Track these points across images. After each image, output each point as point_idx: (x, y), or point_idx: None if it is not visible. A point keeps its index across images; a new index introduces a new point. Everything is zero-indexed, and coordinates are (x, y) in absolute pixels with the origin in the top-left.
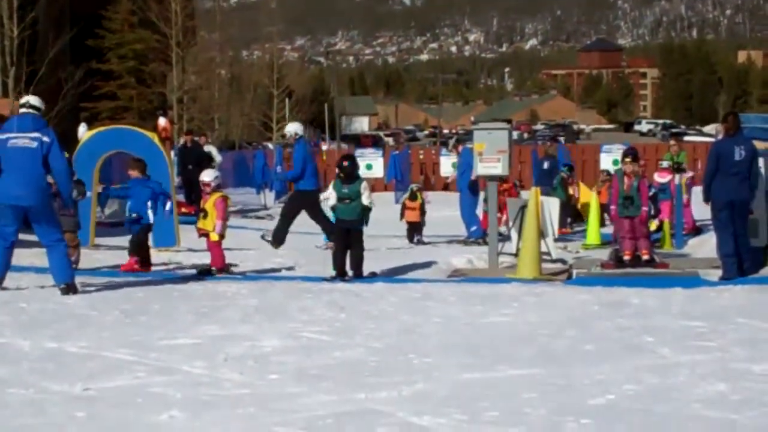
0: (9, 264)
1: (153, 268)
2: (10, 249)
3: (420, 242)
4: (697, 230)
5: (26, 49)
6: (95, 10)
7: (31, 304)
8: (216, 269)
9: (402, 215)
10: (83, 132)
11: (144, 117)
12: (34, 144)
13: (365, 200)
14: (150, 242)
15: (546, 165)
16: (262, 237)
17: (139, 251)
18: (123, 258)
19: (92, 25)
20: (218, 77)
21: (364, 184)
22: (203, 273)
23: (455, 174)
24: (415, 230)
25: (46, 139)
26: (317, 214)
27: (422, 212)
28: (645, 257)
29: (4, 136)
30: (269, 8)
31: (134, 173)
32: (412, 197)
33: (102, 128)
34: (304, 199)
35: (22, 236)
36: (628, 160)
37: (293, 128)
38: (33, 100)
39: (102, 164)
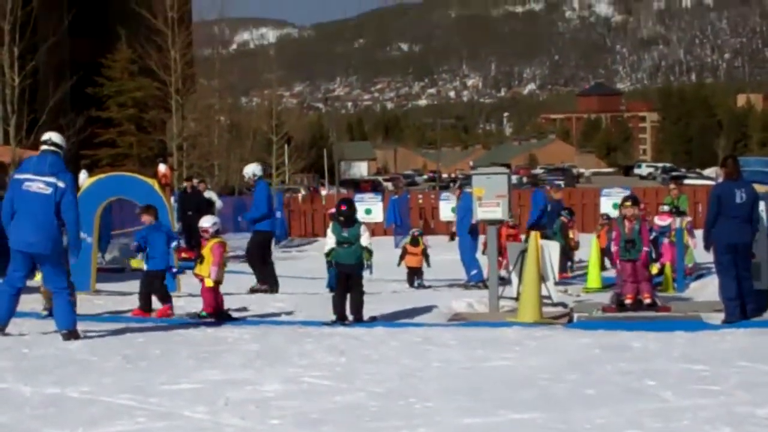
0: (14, 310)
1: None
2: (17, 296)
3: (421, 286)
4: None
5: (27, 97)
6: (95, 59)
7: (33, 350)
8: (207, 315)
9: (401, 260)
10: (84, 179)
11: (144, 164)
12: (49, 190)
13: (365, 242)
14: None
15: (549, 208)
16: (251, 290)
17: (165, 297)
18: (123, 304)
19: (92, 73)
20: (218, 124)
21: (363, 227)
22: (197, 317)
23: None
24: (415, 274)
25: (61, 184)
26: (261, 258)
27: (425, 256)
28: (647, 301)
29: (20, 177)
30: (268, 55)
31: (147, 219)
32: (414, 242)
33: (102, 175)
34: (257, 239)
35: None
36: (628, 204)
37: (251, 169)
38: (55, 137)
39: (102, 211)
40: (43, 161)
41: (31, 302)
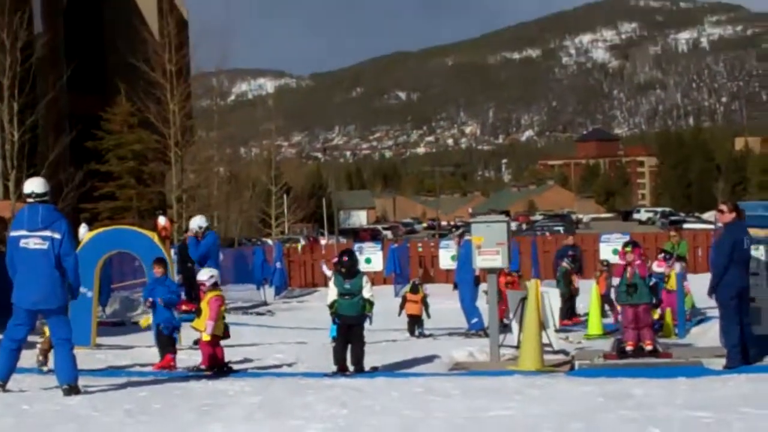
0: (15, 366)
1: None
2: (18, 351)
3: (422, 335)
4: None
5: (27, 152)
6: (94, 112)
7: (34, 406)
8: (205, 368)
9: (401, 309)
10: (84, 233)
11: (144, 216)
12: (46, 244)
13: (366, 293)
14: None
15: (571, 252)
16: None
17: (172, 349)
18: (125, 358)
19: (91, 126)
20: (216, 175)
21: (365, 278)
22: (197, 371)
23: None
24: (416, 323)
25: (57, 236)
26: None
27: (425, 305)
28: (648, 348)
29: (15, 234)
30: (266, 106)
31: (159, 272)
32: (414, 290)
33: (102, 229)
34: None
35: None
36: (628, 249)
37: (197, 222)
38: (37, 187)
39: (103, 264)
40: (34, 215)
41: (31, 357)
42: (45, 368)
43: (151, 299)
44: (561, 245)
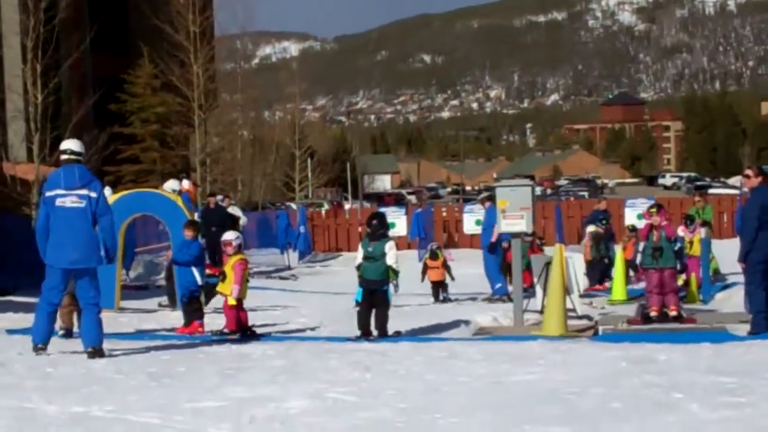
0: (53, 328)
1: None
2: (54, 313)
3: (446, 300)
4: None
5: (50, 114)
6: (117, 75)
7: (58, 369)
8: (230, 332)
9: (423, 275)
10: (107, 195)
11: (167, 179)
12: (83, 203)
13: (390, 260)
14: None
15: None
16: (159, 305)
17: (200, 314)
18: (149, 322)
19: (114, 89)
20: (240, 138)
21: (389, 244)
22: (221, 334)
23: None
24: (439, 288)
25: (93, 194)
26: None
27: (447, 268)
28: (673, 313)
29: (51, 194)
30: (290, 69)
31: (189, 234)
32: (433, 256)
33: (126, 192)
34: None
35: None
36: (653, 211)
37: (170, 185)
38: (75, 146)
39: (126, 228)
40: (71, 174)
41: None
42: (61, 332)
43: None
44: (592, 210)
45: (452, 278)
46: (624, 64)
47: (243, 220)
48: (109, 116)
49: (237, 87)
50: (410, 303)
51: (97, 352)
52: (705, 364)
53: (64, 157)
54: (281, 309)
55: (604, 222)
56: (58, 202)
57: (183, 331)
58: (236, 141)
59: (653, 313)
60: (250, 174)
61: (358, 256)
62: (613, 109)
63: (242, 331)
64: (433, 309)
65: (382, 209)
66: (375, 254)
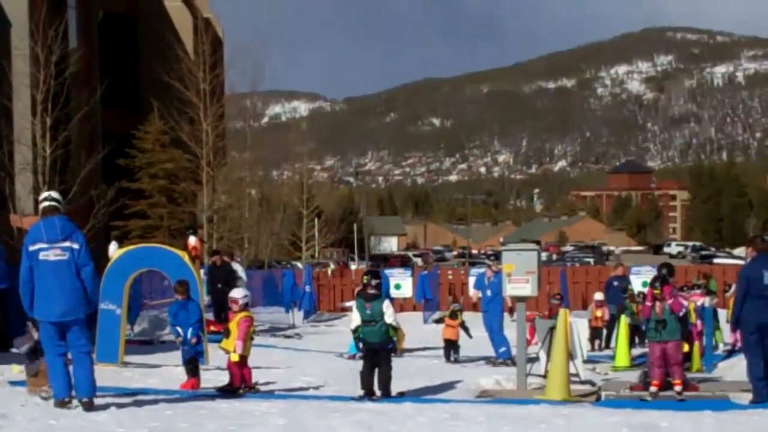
0: (71, 380)
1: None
2: (64, 356)
3: (456, 361)
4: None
5: (58, 167)
6: (127, 130)
7: (60, 421)
8: (232, 389)
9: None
10: (114, 250)
11: (174, 235)
12: (66, 255)
13: (389, 319)
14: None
15: (616, 284)
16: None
17: (196, 371)
18: (152, 377)
19: (124, 144)
20: (248, 197)
21: (386, 303)
22: (224, 391)
23: (479, 292)
24: (452, 347)
25: (75, 246)
26: None
27: (464, 329)
28: (677, 388)
29: (34, 248)
30: (300, 129)
31: (180, 295)
32: (453, 316)
33: (132, 246)
34: None
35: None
36: (656, 289)
37: (113, 248)
38: (54, 193)
39: (132, 282)
40: (52, 227)
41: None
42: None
43: (180, 332)
44: (609, 276)
45: (470, 336)
46: (632, 132)
47: (243, 279)
48: (117, 171)
49: (246, 145)
50: (415, 364)
51: (92, 404)
52: None
53: (45, 204)
54: (285, 368)
55: (624, 296)
56: (42, 255)
57: (186, 386)
58: (244, 199)
59: (653, 388)
60: (257, 232)
61: (354, 318)
62: (620, 177)
63: (245, 388)
64: (437, 370)
65: (388, 271)
66: (374, 316)
